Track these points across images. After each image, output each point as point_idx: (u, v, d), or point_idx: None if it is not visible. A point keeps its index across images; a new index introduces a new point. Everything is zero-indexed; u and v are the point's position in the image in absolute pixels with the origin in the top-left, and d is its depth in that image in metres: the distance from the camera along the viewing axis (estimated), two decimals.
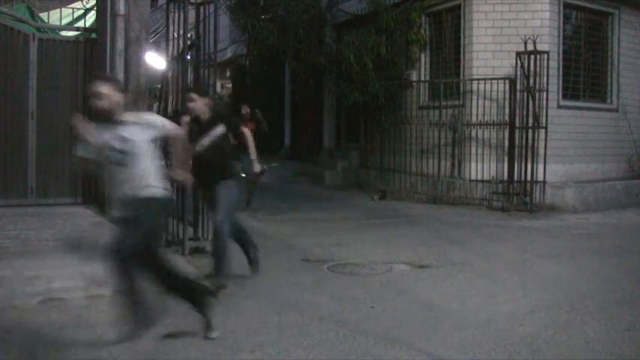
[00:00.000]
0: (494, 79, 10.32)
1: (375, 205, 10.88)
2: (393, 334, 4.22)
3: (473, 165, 10.61)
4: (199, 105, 5.50)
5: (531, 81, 9.97)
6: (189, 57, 6.81)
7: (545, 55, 10.03)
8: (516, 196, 10.10)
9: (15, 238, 6.30)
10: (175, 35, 7.10)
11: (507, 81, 10.30)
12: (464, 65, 10.95)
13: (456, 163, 10.96)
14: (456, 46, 11.24)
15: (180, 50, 6.93)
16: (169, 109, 7.53)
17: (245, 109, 10.71)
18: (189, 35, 6.81)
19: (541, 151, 9.96)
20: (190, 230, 6.50)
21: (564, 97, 11.04)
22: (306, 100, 16.91)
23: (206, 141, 5.41)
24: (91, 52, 7.90)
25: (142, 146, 3.98)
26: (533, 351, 3.93)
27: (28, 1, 8.83)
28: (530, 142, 10.05)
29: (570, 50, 11.23)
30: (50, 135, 7.79)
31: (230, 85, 22.85)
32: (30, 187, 7.70)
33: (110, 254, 3.85)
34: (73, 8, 8.83)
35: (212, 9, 6.88)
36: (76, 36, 8.30)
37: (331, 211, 10.13)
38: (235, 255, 6.68)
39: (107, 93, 3.98)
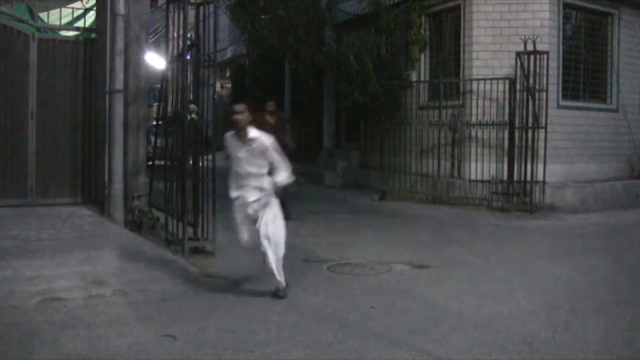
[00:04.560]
0: (494, 79, 10.32)
1: (375, 205, 10.88)
2: (393, 334, 4.22)
3: (473, 165, 10.61)
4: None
5: (531, 81, 9.97)
6: (189, 57, 6.80)
7: (545, 55, 10.03)
8: (516, 196, 10.10)
9: (15, 238, 6.30)
10: (175, 35, 7.10)
11: (507, 81, 10.30)
12: (464, 65, 10.95)
13: (456, 163, 10.96)
14: (456, 46, 11.24)
15: (180, 50, 6.93)
16: (169, 109, 7.53)
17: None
18: (189, 35, 6.81)
19: (541, 151, 9.96)
20: (190, 230, 6.50)
21: (564, 97, 11.04)
22: (306, 100, 16.91)
23: None
24: (91, 52, 7.91)
25: None
26: (533, 351, 3.93)
27: (28, 1, 8.82)
28: (530, 142, 10.04)
29: (570, 50, 11.23)
30: (50, 135, 7.79)
31: (230, 85, 22.85)
32: (30, 187, 7.70)
33: None
34: (73, 8, 8.83)
35: (212, 9, 6.88)
36: (76, 36, 8.30)
37: (331, 212, 10.12)
38: (235, 256, 6.70)
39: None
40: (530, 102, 9.99)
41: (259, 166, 5.15)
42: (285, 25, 12.77)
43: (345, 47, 11.65)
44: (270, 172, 5.20)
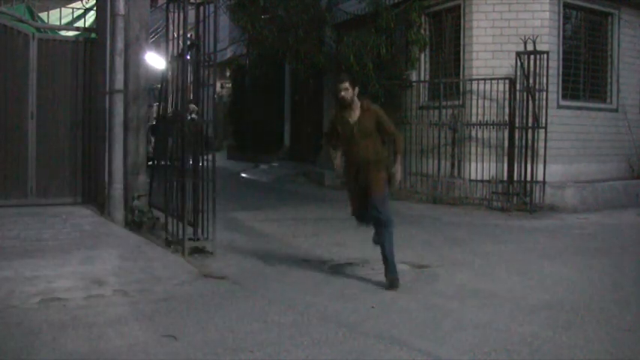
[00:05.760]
0: (494, 79, 10.32)
1: None
2: (393, 334, 4.22)
3: (473, 165, 10.61)
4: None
5: (531, 81, 9.97)
6: (189, 57, 6.80)
7: (545, 55, 10.03)
8: (516, 196, 10.10)
9: (15, 238, 6.30)
10: (175, 35, 7.10)
11: (507, 81, 10.30)
12: (464, 65, 10.95)
13: (456, 163, 10.97)
14: (456, 46, 11.24)
15: (180, 50, 6.93)
16: (169, 109, 7.53)
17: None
18: (189, 35, 6.81)
19: (541, 151, 9.96)
20: (190, 230, 6.50)
21: (564, 97, 11.04)
22: (306, 100, 16.92)
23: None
24: (91, 52, 7.90)
25: None
26: (533, 351, 3.93)
27: (28, 1, 8.82)
28: (530, 142, 10.05)
29: (570, 50, 11.23)
30: (50, 135, 7.79)
31: (230, 85, 22.86)
32: (30, 187, 7.70)
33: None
34: (72, 8, 8.83)
35: (212, 9, 6.88)
36: (76, 36, 8.30)
37: (331, 211, 10.12)
38: (235, 256, 6.68)
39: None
40: (530, 102, 9.99)
41: None
42: (285, 25, 12.77)
43: (345, 47, 11.65)
44: None
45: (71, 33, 8.43)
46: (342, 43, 12.05)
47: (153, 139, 10.13)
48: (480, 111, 10.51)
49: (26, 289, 4.92)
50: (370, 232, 8.37)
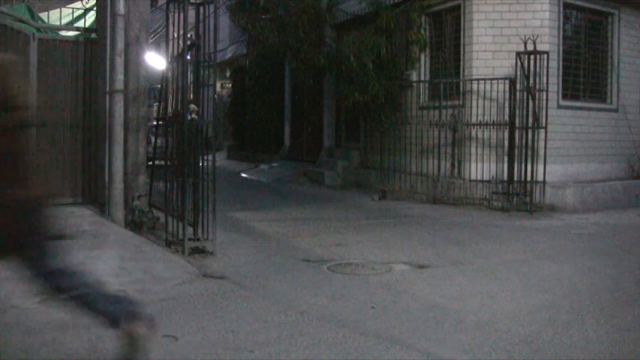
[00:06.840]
0: (494, 79, 10.32)
1: (375, 205, 10.88)
2: (393, 334, 4.22)
3: (473, 165, 10.62)
4: None
5: (531, 81, 9.97)
6: (189, 57, 6.81)
7: (545, 55, 10.04)
8: (516, 196, 10.10)
9: None
10: (175, 35, 7.10)
11: (507, 81, 10.30)
12: (464, 65, 10.96)
13: (456, 163, 10.97)
14: (456, 46, 11.25)
15: (180, 50, 6.93)
16: (169, 109, 7.53)
17: None
18: (189, 35, 6.81)
19: (541, 151, 9.97)
20: (190, 230, 6.50)
21: (564, 97, 11.05)
22: (306, 100, 16.92)
23: None
24: (91, 52, 7.90)
25: None
26: (533, 351, 3.93)
27: (28, 1, 8.83)
28: (530, 142, 10.05)
29: (570, 50, 11.23)
30: (50, 135, 7.79)
31: (230, 85, 22.86)
32: None
33: None
34: (73, 8, 8.83)
35: (212, 9, 6.88)
36: (76, 36, 8.30)
37: (331, 211, 10.13)
38: (235, 256, 6.68)
39: None
40: (531, 102, 9.99)
41: None
42: (285, 25, 12.78)
43: (345, 47, 11.66)
44: None
45: (71, 33, 8.43)
46: (342, 43, 12.07)
47: (153, 139, 10.13)
48: (480, 111, 10.51)
49: (26, 289, 4.91)
50: (373, 232, 8.40)
